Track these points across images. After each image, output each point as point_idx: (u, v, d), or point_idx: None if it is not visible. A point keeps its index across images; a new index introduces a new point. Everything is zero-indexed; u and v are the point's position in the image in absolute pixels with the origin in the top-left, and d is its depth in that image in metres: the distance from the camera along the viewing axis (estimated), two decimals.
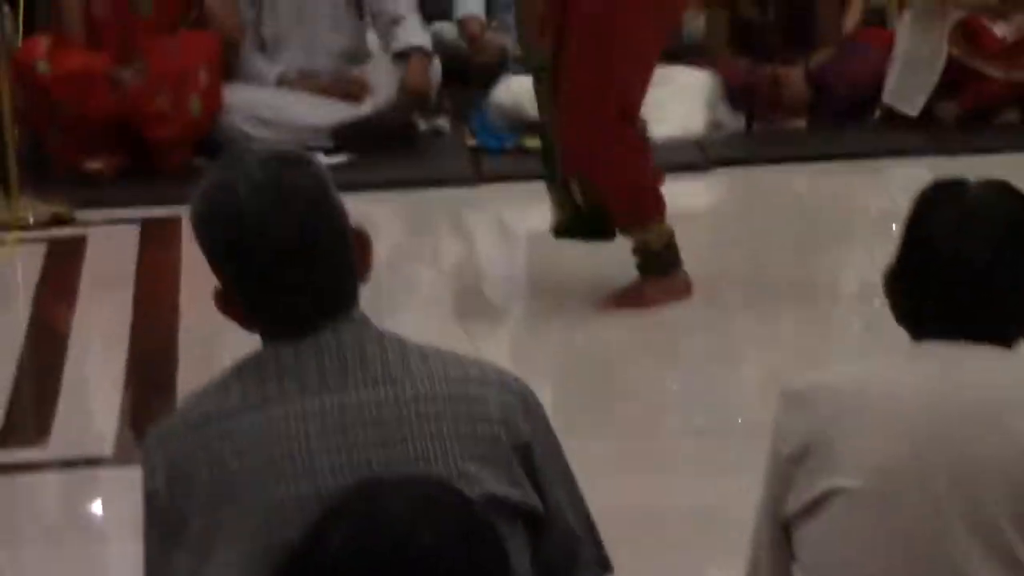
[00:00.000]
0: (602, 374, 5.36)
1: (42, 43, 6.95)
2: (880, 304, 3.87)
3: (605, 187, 5.49)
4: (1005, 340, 2.49)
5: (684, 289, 5.48)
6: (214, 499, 2.33)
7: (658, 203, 5.45)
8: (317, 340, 2.34)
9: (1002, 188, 2.58)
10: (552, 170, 5.66)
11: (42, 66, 6.77)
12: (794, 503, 2.50)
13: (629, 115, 5.46)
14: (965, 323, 2.50)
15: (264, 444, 2.31)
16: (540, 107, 5.70)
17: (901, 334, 2.73)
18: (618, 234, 5.60)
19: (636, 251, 5.50)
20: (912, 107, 7.09)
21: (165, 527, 2.39)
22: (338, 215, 2.35)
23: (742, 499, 2.76)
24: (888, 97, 7.14)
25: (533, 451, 2.33)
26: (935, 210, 2.56)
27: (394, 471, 2.18)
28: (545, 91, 5.57)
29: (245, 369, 2.40)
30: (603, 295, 5.75)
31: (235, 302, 2.35)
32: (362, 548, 1.65)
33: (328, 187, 2.35)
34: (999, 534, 2.38)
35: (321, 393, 2.35)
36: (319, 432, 2.31)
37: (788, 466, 2.51)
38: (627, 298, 5.50)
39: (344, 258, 2.34)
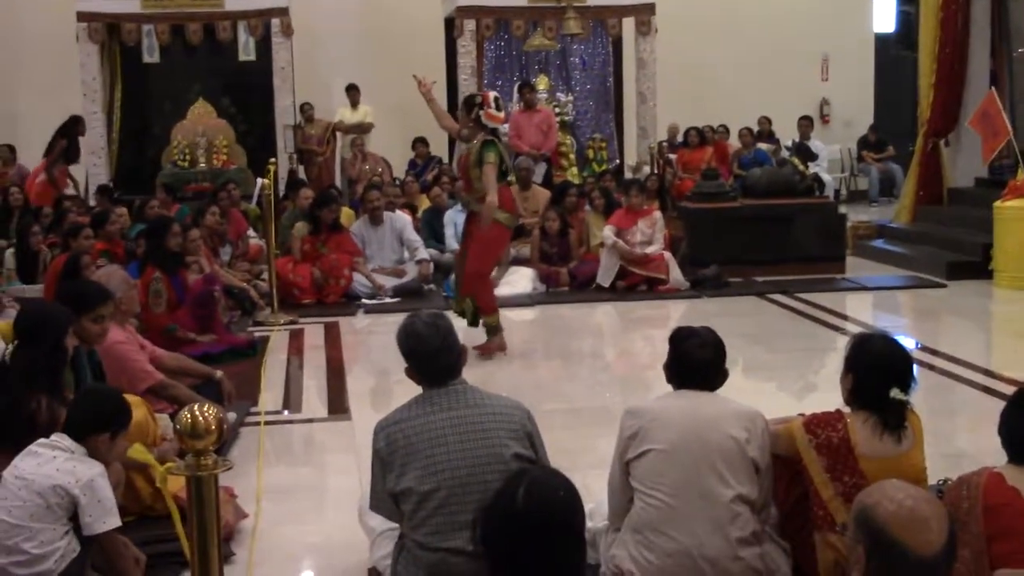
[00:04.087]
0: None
1: (288, 262, 9.59)
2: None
3: (478, 300, 7.35)
4: (712, 389, 3.51)
5: (502, 343, 7.38)
6: (406, 455, 3.17)
7: (494, 305, 7.40)
8: (447, 389, 3.24)
9: (710, 330, 3.54)
10: (457, 300, 7.46)
11: (289, 268, 9.51)
12: (631, 455, 3.41)
13: (488, 274, 7.51)
14: (696, 382, 3.50)
15: (426, 431, 3.17)
16: (457, 275, 7.53)
17: None
18: (478, 321, 7.27)
19: (486, 326, 7.37)
20: (606, 282, 9.82)
21: (381, 465, 3.22)
22: (455, 338, 3.33)
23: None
24: (599, 278, 9.86)
25: (533, 436, 3.29)
26: (684, 340, 3.52)
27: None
28: (459, 267, 7.45)
29: (417, 400, 3.27)
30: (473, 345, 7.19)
31: (414, 372, 3.32)
32: (541, 498, 2.11)
33: (452, 327, 3.31)
34: (718, 470, 3.33)
35: (451, 410, 3.19)
36: (449, 427, 3.17)
37: (627, 441, 3.43)
38: (484, 347, 7.36)
39: (458, 355, 3.31)
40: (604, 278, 10.02)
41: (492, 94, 7.39)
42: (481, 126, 7.16)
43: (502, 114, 7.30)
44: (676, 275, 10.02)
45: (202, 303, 7.66)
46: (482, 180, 7.02)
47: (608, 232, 10.06)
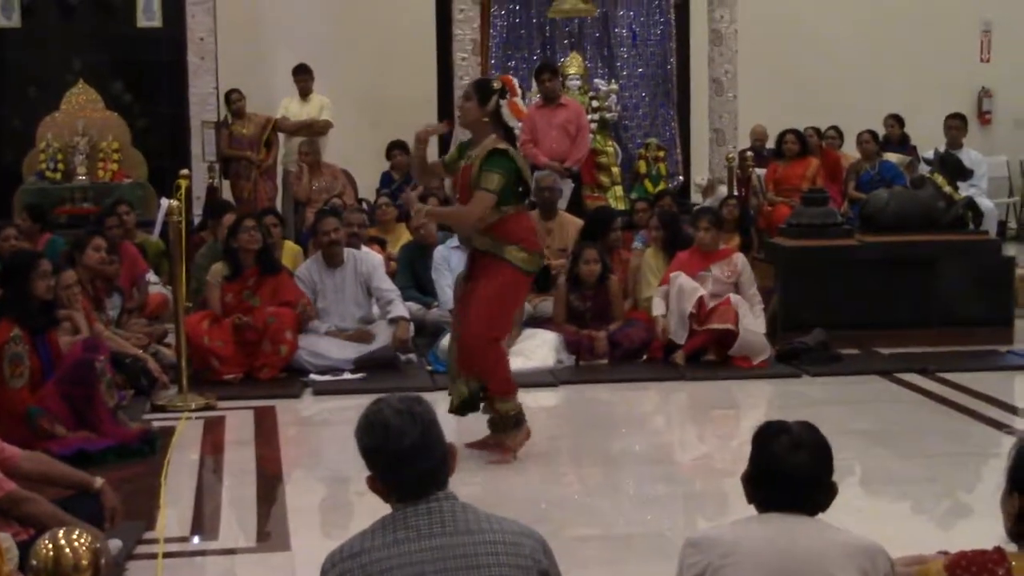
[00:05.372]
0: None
1: (202, 319, 9.64)
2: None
3: (487, 377, 7.37)
4: (813, 512, 3.52)
5: (527, 436, 7.46)
6: None
7: (511, 385, 7.40)
8: (428, 506, 3.22)
9: (809, 427, 3.55)
10: (452, 379, 7.53)
11: (204, 328, 9.53)
12: None
13: (499, 338, 7.49)
14: (789, 501, 3.50)
15: (397, 568, 3.16)
16: (450, 351, 7.64)
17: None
18: (491, 405, 7.36)
19: (499, 418, 7.41)
20: (681, 337, 9.87)
21: None
22: (439, 432, 3.30)
23: None
24: (673, 334, 9.85)
25: (549, 574, 3.31)
26: (772, 441, 3.52)
27: None
28: (454, 341, 7.53)
29: (384, 522, 3.24)
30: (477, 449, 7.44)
31: (380, 481, 3.27)
32: None
33: (435, 416, 3.29)
34: None
35: (432, 538, 3.18)
36: (430, 562, 3.17)
37: None
38: (501, 454, 7.41)
39: (443, 457, 3.29)
40: (678, 333, 10.04)
41: (515, 80, 7.54)
42: (499, 124, 7.28)
43: (526, 109, 7.46)
44: (752, 326, 9.90)
45: (78, 379, 7.64)
46: (473, 199, 7.17)
47: (658, 301, 10.09)
